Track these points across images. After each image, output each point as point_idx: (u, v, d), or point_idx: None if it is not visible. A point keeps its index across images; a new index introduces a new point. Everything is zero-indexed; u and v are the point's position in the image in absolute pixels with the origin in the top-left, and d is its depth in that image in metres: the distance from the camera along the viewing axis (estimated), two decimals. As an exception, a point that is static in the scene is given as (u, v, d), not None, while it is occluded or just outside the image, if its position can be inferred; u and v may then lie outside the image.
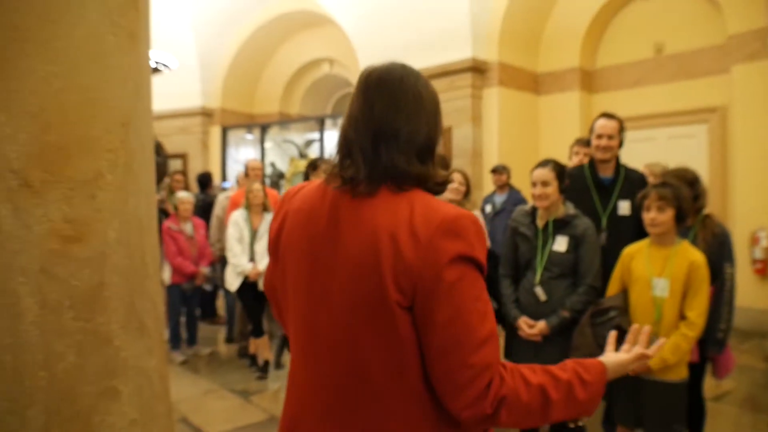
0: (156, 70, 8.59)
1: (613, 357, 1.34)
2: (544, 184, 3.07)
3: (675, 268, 2.78)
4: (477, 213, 3.98)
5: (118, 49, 1.02)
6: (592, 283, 3.03)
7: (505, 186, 6.35)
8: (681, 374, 2.80)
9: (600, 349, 2.80)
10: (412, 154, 1.17)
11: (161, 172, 8.36)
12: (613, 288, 3.02)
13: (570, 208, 3.14)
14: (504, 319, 3.25)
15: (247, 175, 6.08)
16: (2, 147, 0.89)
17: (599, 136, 3.52)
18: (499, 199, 6.27)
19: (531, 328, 3.06)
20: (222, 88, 11.13)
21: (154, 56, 8.43)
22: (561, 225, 3.10)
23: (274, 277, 1.34)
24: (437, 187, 1.22)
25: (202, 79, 10.94)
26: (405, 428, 1.13)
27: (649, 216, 2.84)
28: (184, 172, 7.43)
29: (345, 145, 1.20)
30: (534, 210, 3.23)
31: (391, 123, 1.16)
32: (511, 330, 3.22)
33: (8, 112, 0.88)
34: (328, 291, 1.16)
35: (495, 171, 6.43)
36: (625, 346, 1.38)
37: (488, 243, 4.27)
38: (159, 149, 9.32)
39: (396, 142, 1.15)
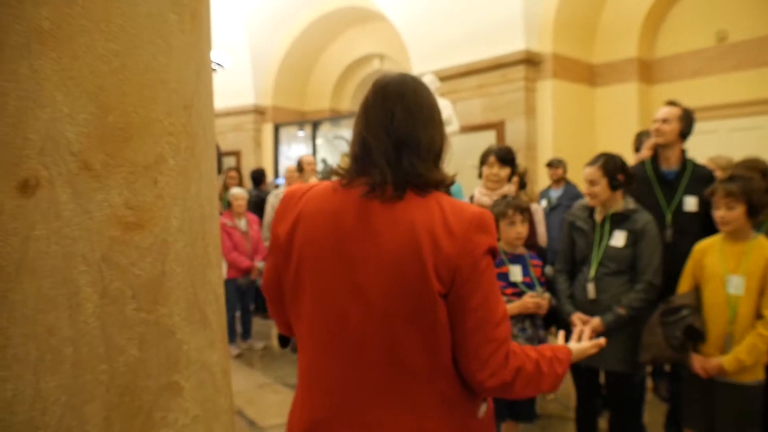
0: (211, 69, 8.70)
1: (575, 345, 1.56)
2: (591, 183, 2.98)
3: (751, 264, 2.63)
4: (535, 206, 3.87)
5: (180, 28, 0.98)
6: (651, 279, 2.89)
7: (561, 180, 6.18)
8: (757, 376, 2.65)
9: (671, 349, 2.70)
10: (430, 161, 1.29)
11: (220, 170, 8.48)
12: (684, 285, 2.88)
13: (630, 203, 3.01)
14: (560, 318, 3.13)
15: (302, 170, 6.10)
16: (61, 127, 0.85)
17: (654, 121, 3.46)
18: (555, 193, 6.11)
19: (584, 324, 2.93)
20: (274, 86, 11.23)
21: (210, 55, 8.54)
22: (619, 219, 2.98)
23: (282, 276, 1.35)
24: (446, 189, 1.36)
25: (255, 77, 11.06)
26: (437, 404, 1.24)
27: (718, 214, 2.71)
28: (237, 169, 7.49)
29: (364, 151, 1.28)
30: None
31: (412, 132, 1.26)
32: (568, 329, 3.09)
33: (66, 91, 0.84)
34: (361, 286, 1.22)
35: (551, 165, 6.28)
36: (571, 343, 1.57)
37: (545, 239, 4.15)
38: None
39: (417, 150, 1.26)
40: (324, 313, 1.26)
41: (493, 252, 1.25)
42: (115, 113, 0.89)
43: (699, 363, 2.70)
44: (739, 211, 2.65)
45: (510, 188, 3.42)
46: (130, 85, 0.91)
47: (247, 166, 10.39)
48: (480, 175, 3.52)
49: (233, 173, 7.17)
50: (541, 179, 7.06)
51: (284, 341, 5.77)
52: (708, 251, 2.80)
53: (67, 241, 0.86)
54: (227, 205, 5.96)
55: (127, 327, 0.92)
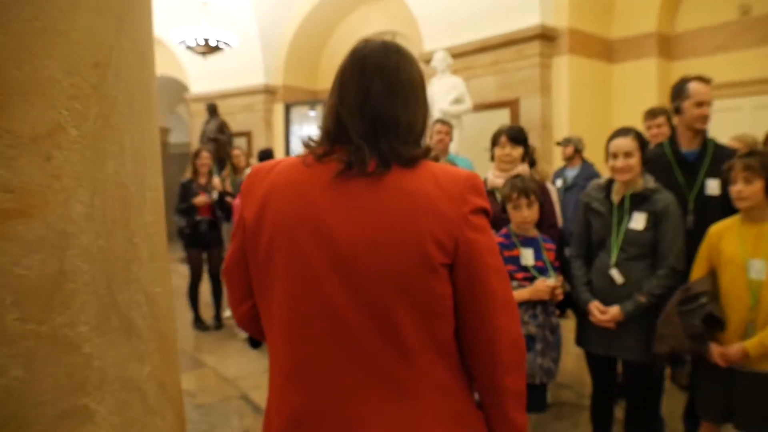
0: (217, 48, 8.58)
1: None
2: (627, 155, 2.77)
3: None
4: (549, 186, 3.72)
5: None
6: (673, 265, 2.73)
7: (575, 159, 6.00)
8: None
9: (690, 339, 2.56)
10: (411, 141, 1.19)
11: (226, 151, 8.39)
12: (698, 270, 2.72)
13: (650, 182, 2.84)
14: (575, 304, 2.99)
15: None
16: None
17: (700, 104, 3.16)
18: (571, 173, 5.93)
19: (603, 314, 2.80)
20: (284, 65, 11.08)
21: (215, 35, 8.41)
22: (639, 200, 2.80)
23: (250, 261, 1.22)
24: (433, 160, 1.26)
25: (264, 57, 10.92)
26: (431, 390, 1.15)
27: (735, 189, 2.56)
28: (246, 150, 7.35)
29: (339, 127, 1.18)
30: (609, 184, 2.94)
31: (391, 112, 1.16)
32: (583, 315, 2.96)
33: None
34: (345, 265, 1.11)
35: (559, 144, 6.09)
36: None
37: (560, 220, 4.00)
38: (223, 128, 9.38)
39: (396, 132, 1.16)
40: (302, 297, 1.14)
41: (486, 213, 1.19)
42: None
43: (718, 352, 2.56)
44: (757, 186, 2.49)
45: (524, 168, 3.28)
46: (9, 35, 0.73)
47: (258, 147, 10.27)
48: (492, 158, 3.38)
49: (238, 151, 7.01)
50: (557, 158, 6.88)
51: (255, 342, 5.59)
52: (725, 234, 2.64)
53: None
54: (238, 188, 5.85)
55: (8, 342, 0.74)
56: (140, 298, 0.92)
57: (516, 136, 3.26)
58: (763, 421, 2.51)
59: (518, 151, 3.26)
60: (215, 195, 6.00)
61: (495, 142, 3.33)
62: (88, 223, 0.82)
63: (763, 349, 2.44)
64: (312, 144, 1.22)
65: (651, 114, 4.23)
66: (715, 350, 2.57)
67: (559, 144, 6.11)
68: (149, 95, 0.96)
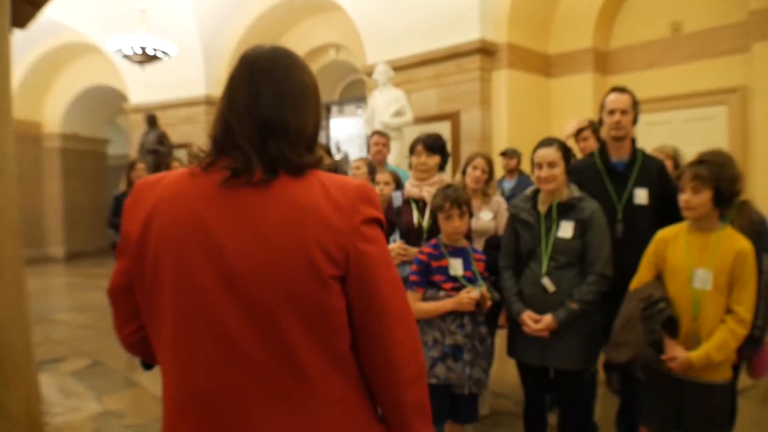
0: (155, 57, 8.39)
1: None
2: (551, 165, 2.82)
3: (719, 257, 2.45)
4: (498, 199, 3.75)
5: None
6: (602, 271, 2.77)
7: (514, 171, 6.08)
8: (725, 374, 2.51)
9: (651, 346, 2.53)
10: (301, 146, 1.16)
11: (166, 162, 8.18)
12: (645, 275, 2.68)
13: (575, 191, 2.89)
14: (506, 314, 3.00)
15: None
16: None
17: (611, 112, 3.21)
18: (508, 185, 6.01)
19: (536, 323, 2.81)
20: (226, 76, 10.89)
21: (153, 43, 8.23)
22: (566, 209, 2.84)
23: (135, 281, 1.15)
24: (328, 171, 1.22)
25: (207, 67, 10.79)
26: (330, 405, 1.11)
27: (683, 198, 2.51)
28: (181, 161, 7.16)
29: (226, 133, 1.13)
30: (535, 194, 2.98)
31: (280, 116, 1.14)
32: (514, 325, 2.96)
33: None
34: (234, 280, 1.06)
35: (505, 154, 6.15)
36: None
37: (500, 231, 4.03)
38: (163, 139, 9.17)
39: (285, 136, 1.13)
40: (190, 315, 1.08)
41: (379, 224, 1.17)
42: None
43: (674, 351, 2.49)
44: (705, 196, 2.45)
45: (442, 177, 3.29)
46: None
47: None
48: (410, 166, 3.39)
49: (176, 164, 6.84)
50: (497, 170, 6.96)
51: (147, 365, 5.37)
52: (671, 241, 2.61)
53: None
54: None
55: None
56: None
57: (432, 144, 3.27)
58: (710, 429, 2.52)
59: (434, 160, 3.27)
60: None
61: (412, 150, 3.33)
62: None
63: (708, 360, 2.41)
64: (201, 154, 1.16)
65: (587, 128, 4.36)
66: (672, 349, 2.51)
67: (504, 155, 6.15)
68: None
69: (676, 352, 2.49)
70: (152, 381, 4.83)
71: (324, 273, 1.07)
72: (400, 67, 7.62)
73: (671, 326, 2.52)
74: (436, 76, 7.77)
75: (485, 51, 7.42)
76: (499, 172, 6.55)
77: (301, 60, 1.22)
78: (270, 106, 1.13)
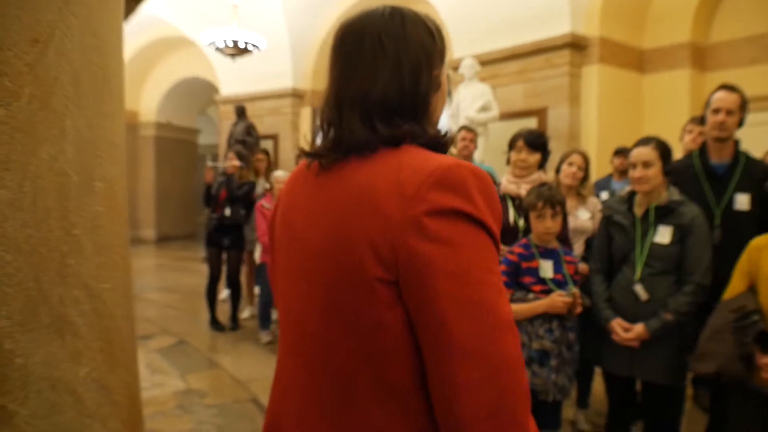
0: (246, 50, 8.63)
1: None
2: (646, 164, 2.68)
3: None
4: (594, 200, 3.63)
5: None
6: (700, 281, 2.62)
7: (626, 172, 5.67)
8: None
9: (740, 361, 2.39)
10: (374, 118, 0.94)
11: (253, 153, 8.41)
12: (738, 285, 2.52)
13: (675, 194, 2.74)
14: (594, 321, 2.90)
15: None
16: None
17: (716, 111, 3.03)
18: (618, 185, 5.57)
19: (627, 331, 2.70)
20: (313, 70, 11.11)
21: (245, 37, 8.47)
22: (664, 213, 2.71)
23: (273, 267, 1.16)
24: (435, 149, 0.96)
25: (293, 61, 10.97)
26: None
27: None
28: (267, 152, 7.30)
29: (321, 120, 1.03)
30: (632, 196, 2.85)
31: (347, 85, 0.97)
32: (602, 334, 2.85)
33: None
34: (302, 276, 0.98)
35: (619, 153, 5.53)
36: None
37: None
38: (251, 130, 9.43)
39: (352, 106, 0.95)
40: (285, 309, 1.07)
41: (468, 219, 0.85)
42: None
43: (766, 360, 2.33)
44: None
45: (540, 175, 3.20)
46: None
47: (285, 150, 10.32)
48: (508, 162, 3.31)
49: (261, 156, 6.97)
50: (605, 169, 6.71)
51: None
52: (765, 250, 2.44)
53: None
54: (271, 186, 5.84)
55: None
56: (79, 294, 0.85)
57: (534, 141, 3.17)
58: None
59: (535, 158, 3.18)
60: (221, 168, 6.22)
61: (512, 145, 3.25)
62: (14, 211, 0.76)
63: None
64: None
65: (699, 121, 4.08)
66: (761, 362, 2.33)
67: (618, 153, 5.73)
68: (106, 81, 0.90)
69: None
70: (233, 363, 4.99)
71: (369, 273, 0.86)
72: (485, 62, 7.50)
73: (764, 341, 2.37)
74: (522, 71, 7.60)
75: (575, 45, 7.19)
76: (606, 170, 6.22)
77: (386, 17, 1.00)
78: (339, 76, 0.99)
